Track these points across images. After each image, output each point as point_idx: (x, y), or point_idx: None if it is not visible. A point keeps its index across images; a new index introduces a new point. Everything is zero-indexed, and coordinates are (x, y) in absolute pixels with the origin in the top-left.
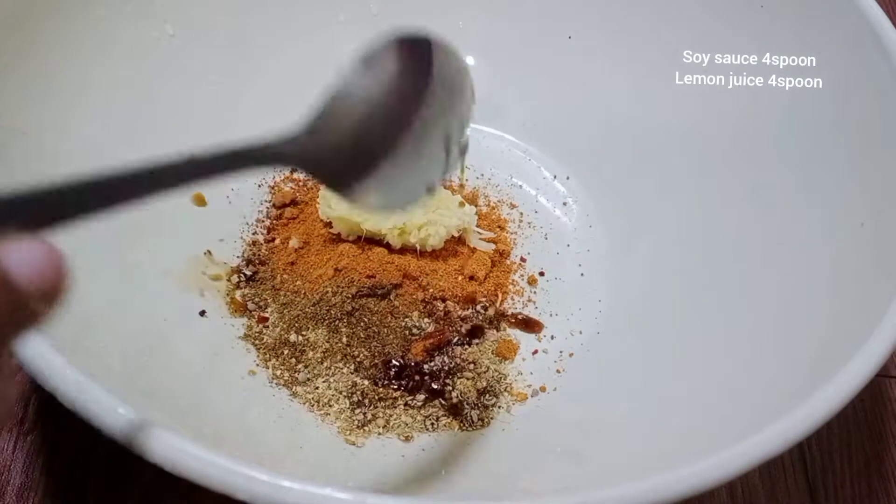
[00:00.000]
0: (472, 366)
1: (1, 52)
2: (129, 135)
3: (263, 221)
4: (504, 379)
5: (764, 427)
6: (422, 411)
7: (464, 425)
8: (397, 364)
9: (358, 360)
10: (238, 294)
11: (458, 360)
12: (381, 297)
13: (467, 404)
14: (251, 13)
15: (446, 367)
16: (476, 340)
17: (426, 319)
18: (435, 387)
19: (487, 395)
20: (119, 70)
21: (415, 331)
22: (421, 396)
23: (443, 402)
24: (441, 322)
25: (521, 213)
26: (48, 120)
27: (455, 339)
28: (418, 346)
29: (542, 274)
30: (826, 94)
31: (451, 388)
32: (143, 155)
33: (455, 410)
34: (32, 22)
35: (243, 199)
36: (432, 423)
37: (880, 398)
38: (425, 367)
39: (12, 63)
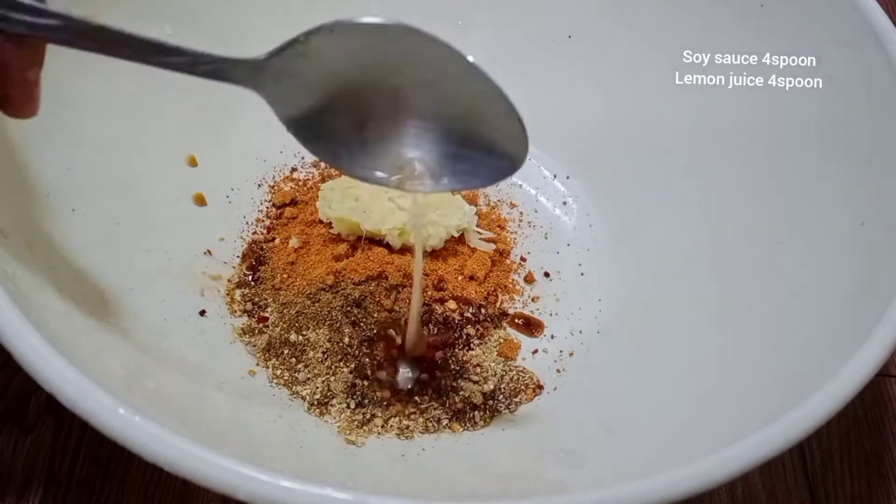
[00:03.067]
0: (477, 369)
1: None
2: (128, 134)
3: (263, 221)
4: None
5: (764, 427)
6: (423, 412)
7: (465, 426)
8: (398, 365)
9: (358, 359)
10: (238, 294)
11: (462, 364)
12: (380, 297)
13: (471, 408)
14: (251, 13)
15: (449, 372)
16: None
17: (427, 323)
18: (438, 392)
19: (493, 399)
20: (119, 70)
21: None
22: (423, 397)
23: (446, 405)
24: (441, 323)
25: (521, 213)
26: (48, 119)
27: (457, 343)
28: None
29: (546, 275)
30: (826, 94)
31: (455, 393)
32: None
33: (458, 414)
34: None
35: (243, 198)
36: (433, 424)
37: (880, 398)
38: (428, 370)
39: None
